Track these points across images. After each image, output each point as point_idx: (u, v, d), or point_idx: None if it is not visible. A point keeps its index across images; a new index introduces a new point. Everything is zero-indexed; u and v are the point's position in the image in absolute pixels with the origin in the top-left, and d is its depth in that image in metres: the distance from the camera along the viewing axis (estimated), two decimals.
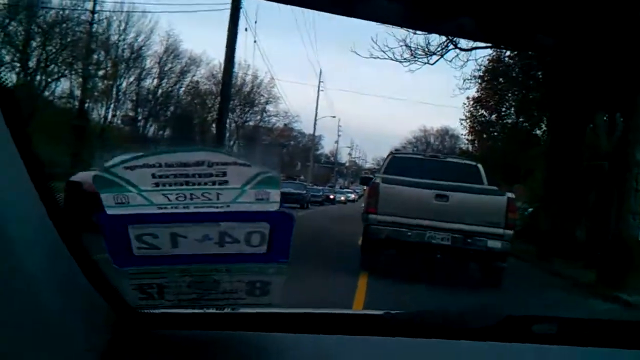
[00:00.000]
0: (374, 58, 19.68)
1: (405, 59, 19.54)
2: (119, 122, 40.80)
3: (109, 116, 39.37)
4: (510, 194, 9.52)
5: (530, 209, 26.71)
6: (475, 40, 18.83)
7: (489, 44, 20.41)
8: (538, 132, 26.39)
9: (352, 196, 65.59)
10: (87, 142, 28.32)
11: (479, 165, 11.48)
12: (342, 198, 58.61)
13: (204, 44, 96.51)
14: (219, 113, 21.36)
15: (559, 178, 16.23)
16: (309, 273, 8.28)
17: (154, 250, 0.91)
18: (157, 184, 0.87)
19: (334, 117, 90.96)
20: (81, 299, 0.96)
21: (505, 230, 9.08)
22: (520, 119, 27.29)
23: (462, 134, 42.23)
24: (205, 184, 0.88)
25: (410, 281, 9.30)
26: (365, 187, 13.06)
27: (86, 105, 34.73)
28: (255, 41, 64.11)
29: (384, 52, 19.53)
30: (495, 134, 29.45)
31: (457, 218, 9.06)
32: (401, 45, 20.60)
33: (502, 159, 27.40)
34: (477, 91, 28.18)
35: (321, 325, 1.23)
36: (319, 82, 69.91)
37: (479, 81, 26.16)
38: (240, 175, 0.88)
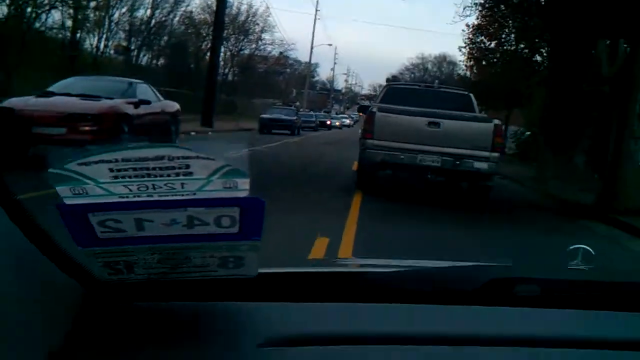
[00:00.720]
0: None
1: None
2: (112, 52, 40.12)
3: (102, 46, 38.74)
4: (497, 121, 10.27)
5: (528, 133, 26.70)
6: None
7: None
8: (538, 58, 26.06)
9: (347, 121, 66.79)
10: (80, 73, 27.83)
11: (471, 95, 12.24)
12: (337, 123, 60.38)
13: None
14: (213, 41, 20.97)
15: (558, 102, 16.12)
16: (302, 194, 9.33)
17: (120, 233, 0.88)
18: (115, 177, 0.83)
19: (330, 45, 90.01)
20: (42, 277, 0.92)
21: (492, 153, 9.70)
22: (521, 46, 26.86)
23: (460, 61, 41.78)
24: (168, 175, 0.83)
25: (401, 200, 10.15)
26: (361, 114, 13.63)
27: (78, 36, 34.06)
28: None
29: None
30: (495, 60, 29.06)
31: (447, 143, 9.64)
32: None
33: (501, 84, 27.20)
34: (477, 18, 27.59)
35: (305, 289, 1.21)
36: (316, 9, 68.56)
37: (479, 8, 25.44)
38: (205, 167, 0.83)
